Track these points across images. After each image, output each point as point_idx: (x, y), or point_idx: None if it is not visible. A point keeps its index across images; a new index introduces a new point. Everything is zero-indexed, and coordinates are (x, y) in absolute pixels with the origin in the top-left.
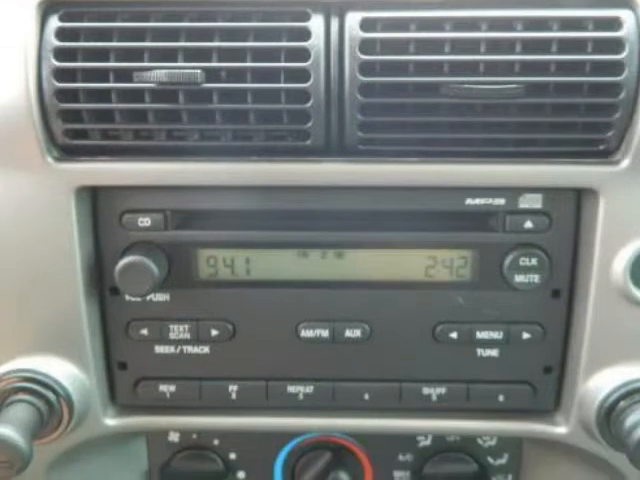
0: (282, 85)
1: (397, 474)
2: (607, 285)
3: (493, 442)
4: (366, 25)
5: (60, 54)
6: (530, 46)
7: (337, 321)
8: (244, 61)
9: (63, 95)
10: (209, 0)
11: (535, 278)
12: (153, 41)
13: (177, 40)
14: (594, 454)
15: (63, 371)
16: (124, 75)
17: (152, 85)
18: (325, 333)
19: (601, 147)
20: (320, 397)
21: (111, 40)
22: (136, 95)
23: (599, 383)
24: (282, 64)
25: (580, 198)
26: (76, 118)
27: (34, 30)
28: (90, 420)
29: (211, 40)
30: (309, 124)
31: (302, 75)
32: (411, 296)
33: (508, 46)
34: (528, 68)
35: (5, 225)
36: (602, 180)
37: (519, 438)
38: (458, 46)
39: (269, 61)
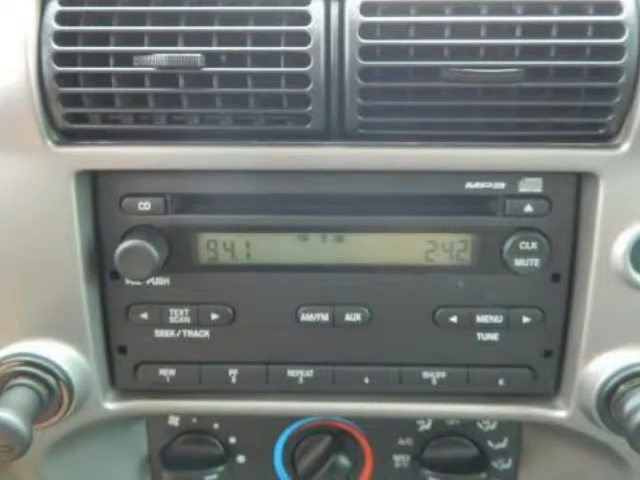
0: (282, 69)
1: (397, 458)
2: (607, 269)
3: (493, 426)
4: (366, 9)
5: (60, 38)
6: (530, 30)
7: (337, 305)
8: (244, 45)
9: (63, 79)
10: None
11: (535, 262)
12: (153, 25)
13: (177, 24)
14: (594, 438)
15: (63, 355)
16: (124, 59)
17: (152, 69)
18: (325, 317)
19: (601, 131)
20: (320, 381)
21: (111, 24)
22: (136, 79)
23: (599, 367)
24: (282, 48)
25: (580, 182)
26: (76, 102)
27: (34, 14)
28: (90, 404)
29: (211, 24)
30: (309, 108)
31: (302, 59)
32: (411, 280)
33: (508, 30)
34: (528, 52)
35: (5, 209)
36: (602, 164)
37: (519, 422)
38: (458, 30)
39: (269, 45)
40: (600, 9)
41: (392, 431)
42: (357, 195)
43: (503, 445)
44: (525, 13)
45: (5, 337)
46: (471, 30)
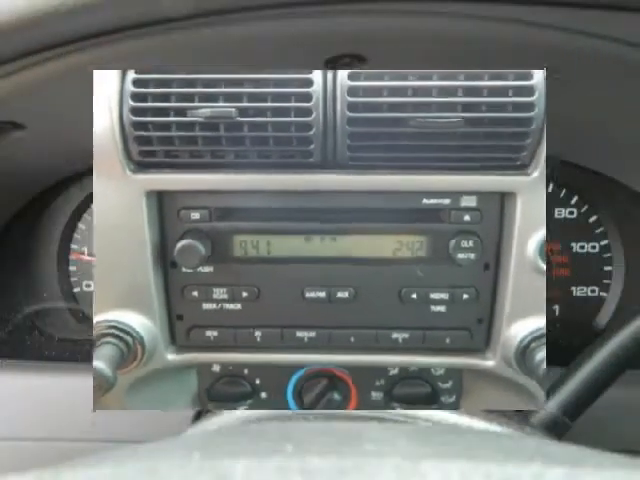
0: (292, 119)
1: (374, 394)
2: (523, 261)
3: (442, 372)
4: (352, 76)
5: (135, 97)
6: (468, 92)
7: (332, 286)
8: (266, 102)
9: (138, 126)
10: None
11: (472, 256)
12: (202, 88)
13: (219, 87)
14: (514, 381)
15: (137, 321)
16: (181, 112)
17: (200, 119)
18: (323, 294)
19: (518, 162)
20: (320, 340)
21: (171, 87)
22: (189, 126)
23: (517, 330)
24: (292, 104)
25: (503, 199)
26: (147, 142)
27: (117, 80)
28: (157, 357)
29: (242, 87)
30: (312, 146)
31: (307, 112)
32: (384, 269)
33: (453, 91)
34: (467, 107)
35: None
36: (519, 186)
37: (460, 369)
38: (418, 91)
39: (283, 102)
40: (518, 77)
41: (370, 375)
42: (346, 208)
43: (449, 385)
44: (465, 79)
45: (98, 308)
46: (427, 91)
